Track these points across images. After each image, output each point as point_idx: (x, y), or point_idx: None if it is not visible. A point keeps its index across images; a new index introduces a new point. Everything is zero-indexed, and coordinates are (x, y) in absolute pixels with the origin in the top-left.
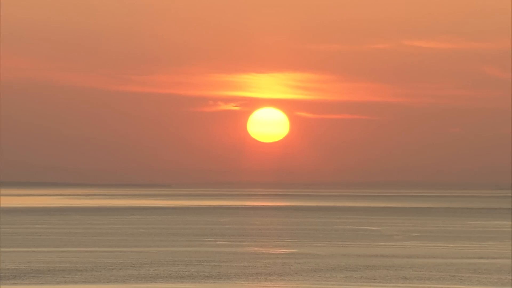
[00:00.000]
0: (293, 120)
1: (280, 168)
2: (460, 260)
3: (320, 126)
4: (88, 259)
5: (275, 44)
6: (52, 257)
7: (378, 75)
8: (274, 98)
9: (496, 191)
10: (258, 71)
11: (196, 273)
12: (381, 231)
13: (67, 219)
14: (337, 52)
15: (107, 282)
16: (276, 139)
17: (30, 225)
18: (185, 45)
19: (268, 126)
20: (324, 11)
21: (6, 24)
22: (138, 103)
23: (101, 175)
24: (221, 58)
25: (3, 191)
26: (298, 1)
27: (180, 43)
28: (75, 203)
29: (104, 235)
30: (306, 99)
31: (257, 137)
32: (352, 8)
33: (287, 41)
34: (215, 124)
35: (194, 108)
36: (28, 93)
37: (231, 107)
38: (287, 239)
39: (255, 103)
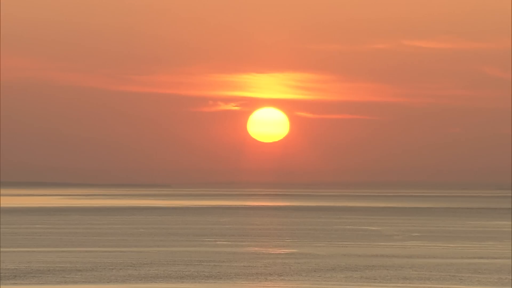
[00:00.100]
0: (293, 120)
1: (280, 168)
2: (460, 260)
3: (320, 126)
4: (88, 259)
5: (275, 44)
6: (52, 257)
7: (378, 75)
8: (274, 98)
9: (496, 191)
10: (258, 71)
11: (196, 273)
12: (381, 231)
13: (67, 219)
14: (337, 52)
15: (107, 282)
16: (276, 139)
17: (30, 225)
18: (185, 45)
19: (268, 126)
20: (324, 11)
21: (6, 24)
22: (138, 103)
23: (101, 175)
24: (221, 58)
25: (3, 191)
26: (298, 1)
27: (180, 43)
28: (75, 203)
29: (104, 235)
30: (306, 99)
31: (257, 137)
32: (352, 8)
33: (287, 41)
34: (215, 124)
35: (194, 108)
36: (28, 93)
37: (231, 107)
38: (287, 239)
39: (255, 103)
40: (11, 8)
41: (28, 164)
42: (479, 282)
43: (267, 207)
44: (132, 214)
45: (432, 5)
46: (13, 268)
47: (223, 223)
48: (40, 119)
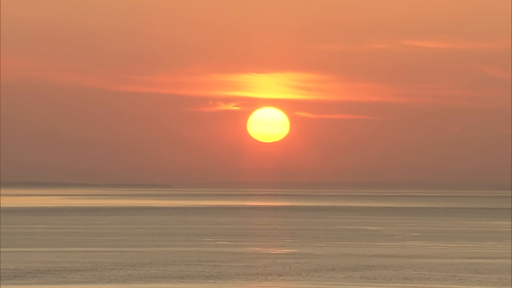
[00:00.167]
0: (293, 120)
1: (280, 168)
2: (460, 260)
3: (320, 126)
4: (88, 259)
5: (275, 44)
6: (52, 257)
7: (378, 75)
8: (274, 98)
9: (496, 191)
10: (258, 71)
11: (196, 273)
12: (381, 231)
13: (67, 219)
14: (337, 52)
15: (107, 282)
16: (276, 139)
17: (30, 225)
18: (185, 45)
19: (268, 126)
20: (324, 11)
21: (6, 24)
22: (138, 103)
23: (101, 175)
24: (221, 58)
25: (3, 191)
26: (298, 1)
27: (180, 43)
28: (75, 203)
29: (104, 235)
30: (306, 99)
31: (257, 137)
32: (352, 8)
33: (287, 41)
34: (215, 124)
35: (194, 108)
36: (28, 93)
37: (231, 107)
38: (287, 239)
39: (255, 103)
40: (11, 8)
41: (28, 164)
42: (479, 282)
43: (267, 207)
44: (132, 214)
45: (432, 5)
46: (13, 268)
47: (223, 223)
48: (40, 119)
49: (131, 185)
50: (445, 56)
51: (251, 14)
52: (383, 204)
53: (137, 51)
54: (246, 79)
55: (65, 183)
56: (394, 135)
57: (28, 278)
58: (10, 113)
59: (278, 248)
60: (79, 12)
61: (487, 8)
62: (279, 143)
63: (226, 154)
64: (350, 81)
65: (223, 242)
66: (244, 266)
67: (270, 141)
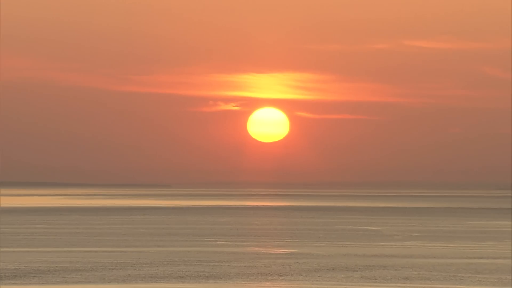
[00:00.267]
0: (293, 120)
1: (280, 168)
2: (460, 260)
3: (320, 126)
4: (88, 259)
5: (275, 44)
6: (52, 257)
7: (378, 75)
8: (274, 98)
9: (496, 191)
10: (258, 71)
11: (196, 273)
12: (381, 231)
13: (67, 219)
14: (337, 52)
15: (107, 282)
16: (276, 139)
17: (30, 225)
18: (185, 45)
19: (268, 126)
20: (324, 11)
21: (6, 24)
22: (138, 103)
23: (101, 175)
24: (221, 58)
25: (3, 191)
26: (298, 1)
27: (180, 43)
28: (75, 203)
29: (104, 235)
30: (306, 99)
31: (257, 137)
32: (352, 8)
33: (287, 41)
34: (215, 124)
35: (194, 108)
36: (28, 93)
37: (231, 107)
38: (287, 239)
39: (255, 103)
40: (11, 8)
41: (28, 164)
42: (479, 282)
43: (267, 207)
44: (132, 214)
45: (432, 5)
46: (13, 268)
47: (223, 223)
48: (40, 119)
49: (131, 185)
50: (445, 56)
51: (251, 14)
52: (383, 204)
53: (137, 51)
54: (246, 79)
55: (65, 183)
56: (394, 135)
57: (28, 278)
58: (10, 113)
59: (278, 248)
60: (79, 12)
61: (487, 8)
62: (279, 143)
63: (226, 154)
64: (350, 81)
65: (223, 242)
66: (244, 266)
67: (270, 141)
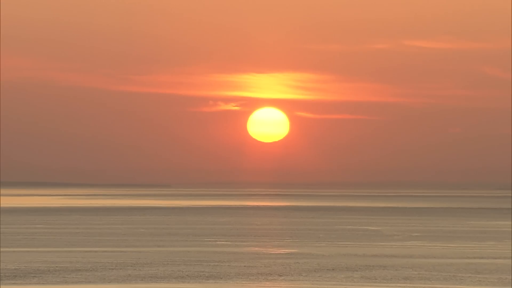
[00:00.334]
0: (293, 120)
1: (280, 168)
2: (460, 260)
3: (320, 126)
4: (88, 259)
5: (275, 44)
6: (52, 257)
7: (378, 75)
8: (274, 98)
9: (496, 191)
10: (258, 71)
11: (196, 273)
12: (381, 231)
13: (67, 219)
14: (337, 52)
15: (107, 282)
16: (276, 139)
17: (30, 225)
18: (185, 45)
19: (268, 126)
20: (324, 11)
21: (6, 24)
22: (138, 103)
23: (101, 175)
24: (221, 58)
25: (3, 191)
26: (298, 1)
27: (180, 43)
28: (75, 203)
29: (104, 235)
30: (306, 99)
31: (257, 137)
32: (352, 8)
33: (287, 41)
34: (215, 124)
35: (194, 108)
36: (28, 93)
37: (231, 107)
38: (287, 239)
39: (255, 103)
40: (11, 8)
41: (28, 164)
42: (479, 282)
43: (267, 207)
44: (132, 214)
45: (432, 5)
46: (13, 268)
47: (223, 223)
48: (40, 119)
49: (131, 185)
50: (445, 56)
51: (251, 14)
52: (383, 204)
53: (137, 51)
54: (246, 79)
55: (65, 183)
56: (394, 135)
57: (28, 278)
58: (10, 113)
59: (278, 248)
60: (79, 12)
61: (487, 8)
62: (279, 143)
63: (226, 154)
64: (350, 81)
65: (223, 242)
66: (244, 266)
67: (270, 141)
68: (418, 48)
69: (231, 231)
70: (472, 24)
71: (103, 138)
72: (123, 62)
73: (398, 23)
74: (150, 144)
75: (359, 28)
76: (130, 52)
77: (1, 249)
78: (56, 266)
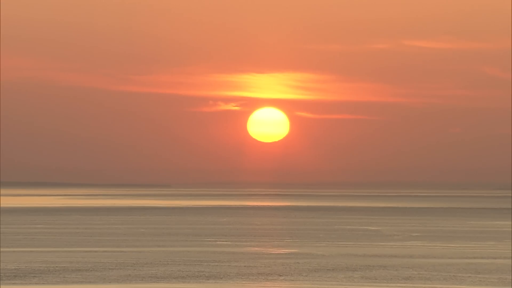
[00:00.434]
0: (293, 120)
1: (280, 168)
2: (460, 260)
3: (320, 126)
4: (88, 259)
5: (275, 44)
6: (52, 257)
7: (378, 75)
8: (274, 98)
9: (496, 191)
10: (258, 71)
11: (196, 273)
12: (381, 231)
13: (67, 219)
14: (337, 52)
15: (107, 282)
16: (276, 139)
17: (30, 225)
18: (185, 45)
19: (268, 126)
20: (324, 11)
21: (6, 24)
22: (138, 103)
23: (101, 175)
24: (221, 58)
25: (3, 191)
26: (298, 1)
27: (180, 43)
28: (75, 203)
29: (104, 235)
30: (306, 99)
31: (257, 137)
32: (352, 8)
33: (287, 41)
34: (215, 124)
35: (194, 108)
36: (28, 93)
37: (231, 107)
38: (287, 239)
39: (255, 103)
40: (11, 8)
41: (28, 164)
42: (479, 282)
43: (267, 207)
44: (132, 214)
45: (432, 5)
46: (13, 268)
47: (223, 223)
48: (40, 119)
49: (131, 185)
50: (445, 56)
51: (251, 14)
52: (383, 204)
53: (137, 51)
54: (246, 79)
55: (65, 183)
56: (394, 135)
57: (28, 278)
58: (10, 113)
59: (278, 248)
60: (79, 13)
61: (487, 8)
62: (279, 143)
63: (226, 154)
64: (350, 81)
65: (223, 242)
66: (244, 266)
67: (270, 141)
68: (418, 48)
69: (231, 231)
70: (472, 24)
71: (103, 138)
72: (123, 62)
73: (398, 23)
74: (150, 144)
75: (359, 28)
76: (130, 52)
77: (1, 249)
78: (56, 266)
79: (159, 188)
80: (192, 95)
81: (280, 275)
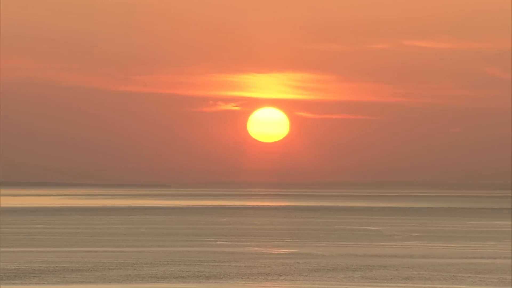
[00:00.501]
0: (293, 120)
1: (280, 168)
2: (460, 260)
3: (320, 126)
4: (88, 259)
5: (275, 44)
6: (52, 257)
7: (378, 75)
8: (274, 98)
9: (496, 191)
10: (258, 71)
11: (196, 273)
12: (381, 231)
13: (67, 219)
14: (337, 52)
15: (107, 282)
16: (276, 139)
17: (30, 225)
18: (185, 45)
19: (268, 126)
20: (324, 11)
21: (6, 24)
22: (138, 103)
23: (101, 175)
24: (221, 58)
25: (3, 191)
26: (298, 1)
27: (180, 43)
28: (75, 203)
29: (104, 235)
30: (306, 99)
31: (257, 137)
32: (352, 8)
33: (287, 41)
34: (215, 124)
35: (194, 108)
36: (28, 93)
37: (231, 107)
38: (287, 239)
39: (255, 103)
40: (11, 8)
41: (28, 164)
42: (479, 282)
43: (267, 207)
44: (132, 214)
45: (432, 5)
46: (13, 268)
47: (223, 223)
48: (40, 119)
49: (131, 185)
50: (445, 56)
51: (251, 14)
52: (383, 204)
53: (137, 51)
54: (246, 79)
55: (65, 183)
56: (394, 135)
57: (28, 278)
58: (10, 113)
59: (278, 248)
60: (79, 12)
61: (487, 8)
62: (279, 143)
63: (226, 154)
64: (350, 81)
65: (223, 242)
66: (244, 266)
67: (270, 141)
68: (418, 48)
69: (231, 231)
70: (472, 24)
71: (103, 138)
72: (123, 62)
73: (398, 23)
74: (150, 144)
75: (359, 28)
76: (130, 52)
77: (1, 249)
78: (56, 266)
79: (159, 188)
80: (192, 95)
81: (280, 275)
